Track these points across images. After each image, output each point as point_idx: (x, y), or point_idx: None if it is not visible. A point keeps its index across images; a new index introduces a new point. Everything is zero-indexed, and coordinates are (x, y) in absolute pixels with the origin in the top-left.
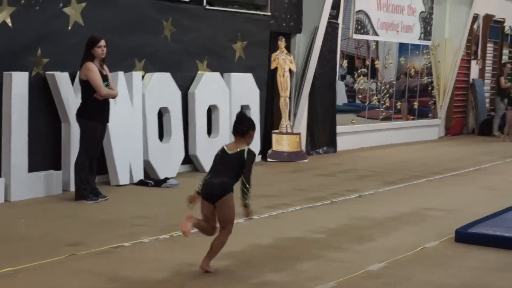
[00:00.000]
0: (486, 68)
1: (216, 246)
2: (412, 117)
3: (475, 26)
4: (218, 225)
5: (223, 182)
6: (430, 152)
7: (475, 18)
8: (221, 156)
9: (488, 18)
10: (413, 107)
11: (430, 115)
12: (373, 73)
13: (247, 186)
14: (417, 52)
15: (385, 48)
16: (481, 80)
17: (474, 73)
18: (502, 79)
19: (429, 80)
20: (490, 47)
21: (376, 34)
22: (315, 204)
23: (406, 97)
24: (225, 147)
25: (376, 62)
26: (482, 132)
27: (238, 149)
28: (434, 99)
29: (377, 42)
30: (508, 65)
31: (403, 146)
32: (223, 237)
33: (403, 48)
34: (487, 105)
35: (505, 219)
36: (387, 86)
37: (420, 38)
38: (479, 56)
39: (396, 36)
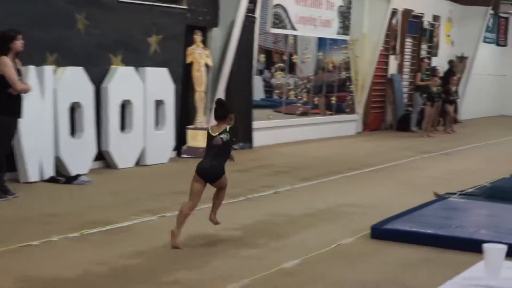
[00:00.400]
0: (405, 63)
1: (217, 199)
2: (329, 112)
3: (393, 21)
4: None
5: (215, 166)
6: (348, 147)
7: (394, 12)
8: (208, 140)
9: (406, 13)
10: (331, 102)
11: (347, 110)
12: (291, 68)
13: (230, 154)
14: (336, 47)
15: (304, 43)
16: (400, 75)
17: (392, 68)
18: (419, 76)
19: (348, 75)
20: (408, 42)
21: (294, 28)
22: (230, 201)
23: (324, 92)
24: (209, 131)
25: (294, 57)
26: (400, 128)
27: (220, 130)
28: (352, 95)
29: (295, 36)
30: (426, 60)
31: (321, 141)
32: (223, 194)
33: (322, 42)
34: (405, 100)
35: (420, 215)
36: (305, 81)
37: (338, 33)
38: (397, 51)
39: (314, 30)
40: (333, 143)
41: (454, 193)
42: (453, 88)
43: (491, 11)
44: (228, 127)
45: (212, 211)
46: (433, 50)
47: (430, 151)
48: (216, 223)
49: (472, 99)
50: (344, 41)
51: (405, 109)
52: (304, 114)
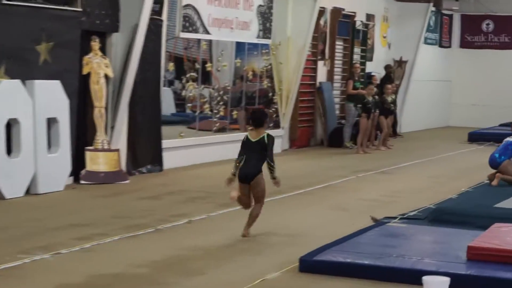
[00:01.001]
0: (335, 69)
1: (254, 216)
2: (250, 127)
3: (321, 22)
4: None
5: (254, 164)
6: None
7: (322, 12)
8: (247, 144)
9: (336, 12)
10: None
11: (271, 125)
12: (206, 77)
13: (272, 163)
14: (256, 53)
15: (219, 48)
16: (330, 84)
17: (321, 75)
18: (351, 84)
19: (270, 84)
20: (339, 45)
21: (207, 32)
22: (137, 233)
23: (243, 104)
24: (248, 136)
25: (208, 64)
26: (332, 143)
27: (260, 136)
28: (276, 107)
29: (209, 41)
30: (357, 65)
31: None
32: (258, 209)
33: (240, 48)
34: (337, 112)
35: (356, 243)
36: (221, 93)
37: (258, 36)
38: (327, 56)
39: (230, 34)
40: None
41: (395, 217)
42: (390, 98)
43: (433, 8)
44: (266, 134)
45: (247, 225)
46: (367, 54)
47: (366, 169)
48: (247, 235)
49: (413, 109)
50: (266, 45)
51: (337, 122)
52: (221, 130)
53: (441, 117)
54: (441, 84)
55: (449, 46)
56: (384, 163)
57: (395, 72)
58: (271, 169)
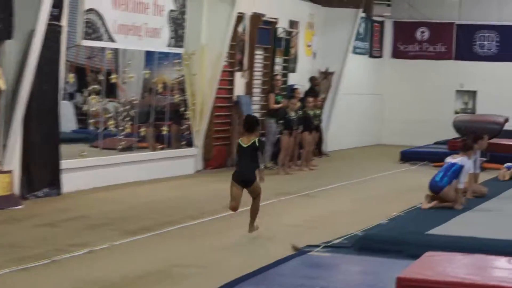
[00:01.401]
0: (255, 81)
1: (254, 211)
2: (161, 146)
3: (240, 29)
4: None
5: (248, 168)
6: (185, 191)
7: (240, 18)
8: (241, 150)
9: (256, 18)
10: (162, 133)
11: (183, 143)
12: (111, 90)
13: (259, 162)
14: (167, 63)
15: (126, 58)
16: (249, 97)
17: (239, 88)
18: (272, 97)
19: (183, 98)
20: (259, 54)
21: (112, 39)
22: (28, 265)
23: (152, 120)
24: (240, 142)
25: (114, 76)
26: None
27: (251, 141)
28: (188, 123)
29: (115, 50)
30: (279, 77)
31: (150, 183)
32: (258, 203)
33: (149, 57)
34: None
35: (274, 275)
36: (128, 107)
37: (170, 45)
38: (245, 67)
39: (138, 42)
40: (166, 185)
41: (318, 246)
42: (313, 112)
43: (362, 15)
44: (256, 139)
45: (251, 222)
46: (290, 65)
47: (288, 192)
48: (256, 228)
49: (341, 125)
50: (178, 55)
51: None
52: (128, 149)
53: (371, 134)
54: (371, 98)
55: (380, 56)
56: (308, 185)
57: (320, 84)
58: (258, 165)
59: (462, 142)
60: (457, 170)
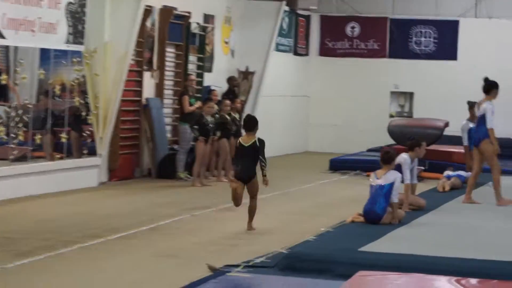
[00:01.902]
0: (166, 82)
1: (252, 211)
2: (59, 155)
3: (148, 24)
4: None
5: (248, 167)
6: (86, 205)
7: (148, 12)
8: (241, 150)
9: (166, 12)
10: (61, 140)
11: (85, 152)
12: (1, 92)
13: (264, 161)
14: (65, 62)
15: (18, 56)
16: (159, 100)
17: (148, 90)
18: (187, 100)
19: (84, 101)
20: (170, 52)
21: (1, 36)
22: None
23: (48, 126)
24: (241, 142)
25: (3, 76)
26: (162, 174)
27: (251, 141)
28: (90, 129)
29: (6, 47)
30: (193, 77)
31: (48, 198)
32: (255, 203)
33: (44, 56)
34: (169, 135)
35: None
36: (21, 112)
37: (68, 42)
38: (155, 66)
39: (32, 38)
40: (65, 200)
41: (238, 265)
42: (233, 116)
43: (286, 8)
44: (256, 138)
45: (249, 221)
46: (205, 64)
47: (204, 206)
48: (253, 228)
49: (263, 131)
50: (78, 53)
51: (169, 147)
52: (21, 159)
53: (297, 141)
54: (297, 100)
55: (306, 54)
56: (226, 198)
57: (240, 85)
58: (263, 166)
59: (384, 153)
60: (390, 191)
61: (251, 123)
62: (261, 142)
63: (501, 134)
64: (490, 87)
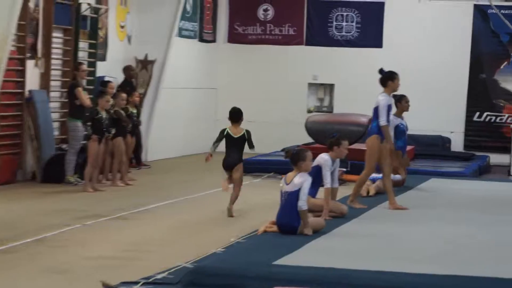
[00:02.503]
0: (53, 72)
1: (235, 197)
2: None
3: (31, 5)
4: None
5: (236, 156)
6: None
7: None
8: (229, 139)
9: None
10: None
11: None
12: None
13: (253, 146)
14: None
15: None
16: (45, 93)
17: (32, 81)
18: (80, 91)
19: None
20: (58, 38)
21: None
22: None
23: None
24: (229, 132)
25: None
26: (49, 178)
27: (240, 133)
28: None
29: None
30: (84, 67)
31: None
32: (238, 190)
33: None
34: (57, 133)
35: None
36: None
37: None
38: (39, 54)
39: None
40: None
41: (136, 282)
42: (131, 110)
43: None
44: (245, 130)
45: (231, 204)
46: (98, 51)
47: (98, 214)
48: (231, 215)
49: (165, 128)
50: None
51: (57, 147)
52: None
53: (203, 140)
54: (203, 93)
55: (213, 41)
56: (123, 205)
57: (138, 76)
58: (252, 149)
59: (290, 154)
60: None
61: (237, 115)
62: (249, 133)
63: (425, 130)
64: (386, 80)
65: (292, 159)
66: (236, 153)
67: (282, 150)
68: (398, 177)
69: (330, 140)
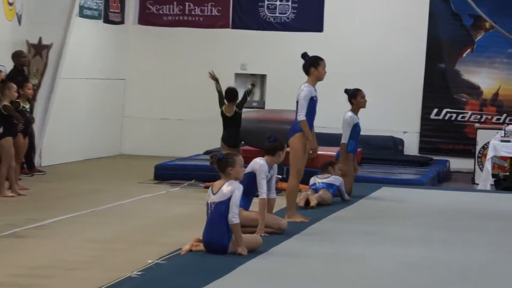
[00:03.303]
0: None
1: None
2: None
3: None
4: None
5: (234, 136)
6: None
7: None
8: (225, 119)
9: None
10: None
11: None
12: None
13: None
14: None
15: None
16: None
17: None
18: None
19: None
20: None
21: None
22: None
23: None
24: (224, 112)
25: None
26: None
27: (232, 111)
28: None
29: None
30: (2, 74)
31: None
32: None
33: None
34: None
35: None
36: None
37: None
38: None
39: None
40: None
41: None
42: (22, 105)
43: None
44: (235, 109)
45: None
46: None
47: None
48: None
49: (62, 127)
50: None
51: None
52: None
53: (109, 140)
54: (108, 84)
55: (121, 22)
56: (14, 220)
57: (31, 64)
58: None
59: (217, 159)
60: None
61: (233, 94)
62: (240, 104)
63: (374, 129)
64: (308, 66)
65: (219, 164)
66: (233, 131)
67: (206, 153)
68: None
69: (269, 143)
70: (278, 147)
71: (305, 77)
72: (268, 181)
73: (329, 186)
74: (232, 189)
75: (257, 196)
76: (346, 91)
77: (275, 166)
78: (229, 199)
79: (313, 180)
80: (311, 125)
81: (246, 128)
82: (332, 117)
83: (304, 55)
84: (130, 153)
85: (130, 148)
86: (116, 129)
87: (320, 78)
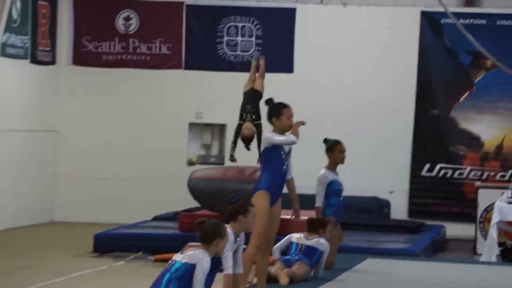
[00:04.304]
0: None
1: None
2: None
3: None
4: None
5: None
6: None
7: None
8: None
9: None
10: None
11: None
12: None
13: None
14: None
15: None
16: None
17: None
18: None
19: None
20: None
21: None
22: None
23: None
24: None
25: None
26: None
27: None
28: None
29: None
30: None
31: None
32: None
33: None
34: None
35: None
36: None
37: None
38: None
39: None
40: None
41: None
42: None
43: None
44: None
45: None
46: None
47: None
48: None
49: None
50: None
51: None
52: None
53: (37, 204)
54: (37, 137)
55: (52, 62)
56: None
57: None
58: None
59: (208, 227)
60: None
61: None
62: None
63: (354, 189)
64: (269, 116)
65: (208, 234)
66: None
67: (155, 219)
68: None
69: (232, 206)
70: (237, 210)
71: (269, 125)
72: (234, 253)
73: (310, 253)
74: (201, 259)
75: (221, 271)
76: (325, 141)
77: (242, 235)
78: (194, 266)
79: (295, 239)
80: (277, 185)
81: (203, 188)
82: (305, 173)
83: (268, 101)
84: (63, 220)
85: (63, 214)
86: (46, 191)
87: (284, 129)
